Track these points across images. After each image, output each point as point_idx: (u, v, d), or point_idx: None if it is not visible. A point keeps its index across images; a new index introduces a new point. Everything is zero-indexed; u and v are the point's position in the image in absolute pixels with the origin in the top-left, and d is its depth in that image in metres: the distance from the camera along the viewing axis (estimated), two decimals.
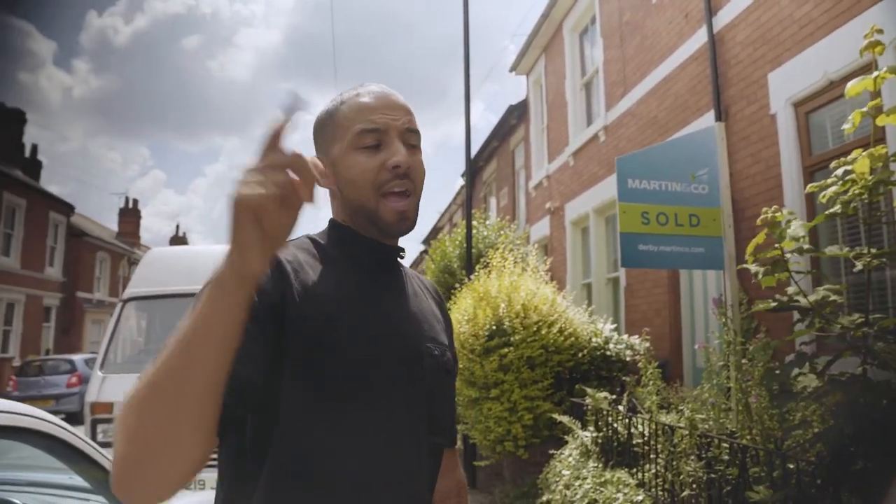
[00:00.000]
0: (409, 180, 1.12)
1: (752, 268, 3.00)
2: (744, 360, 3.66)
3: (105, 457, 2.22)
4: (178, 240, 40.95)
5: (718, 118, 5.90)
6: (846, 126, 2.77)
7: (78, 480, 2.18)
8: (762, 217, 2.95)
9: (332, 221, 1.20)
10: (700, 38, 6.49)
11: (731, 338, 3.82)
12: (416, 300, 1.22)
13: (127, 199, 35.39)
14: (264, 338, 0.92)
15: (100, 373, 5.52)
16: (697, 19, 6.58)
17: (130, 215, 35.06)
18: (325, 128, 1.17)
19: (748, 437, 3.38)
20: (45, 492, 2.35)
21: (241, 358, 0.84)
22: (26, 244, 22.24)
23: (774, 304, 2.92)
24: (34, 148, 25.98)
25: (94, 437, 5.17)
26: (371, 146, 1.11)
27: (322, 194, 1.11)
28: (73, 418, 13.42)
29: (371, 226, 1.13)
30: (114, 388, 5.29)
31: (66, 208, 25.25)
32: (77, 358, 16.46)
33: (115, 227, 34.34)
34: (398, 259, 1.23)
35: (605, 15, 9.28)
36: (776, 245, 2.96)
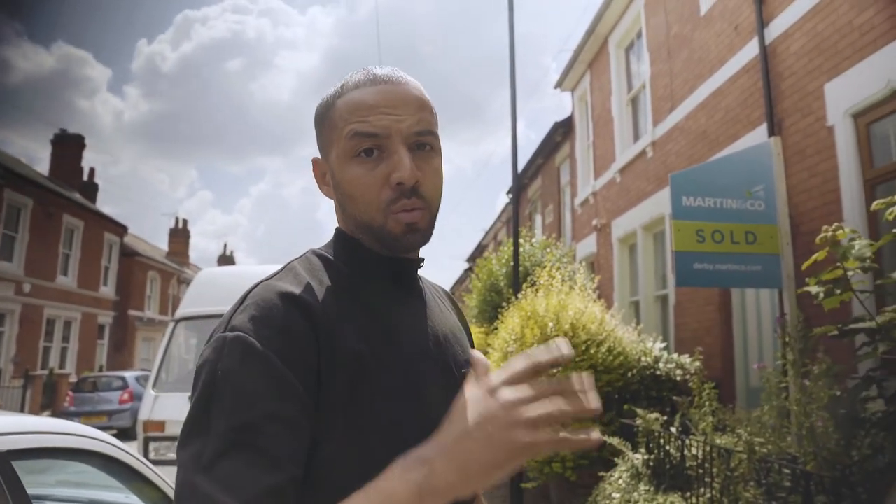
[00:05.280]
0: (419, 198, 0.90)
1: (813, 289, 2.88)
2: (806, 382, 3.52)
3: (160, 476, 2.25)
4: (226, 259, 41.90)
5: (772, 132, 5.75)
6: None
7: (134, 500, 2.20)
8: (822, 236, 2.84)
9: (338, 232, 1.00)
10: (751, 49, 6.36)
11: (793, 358, 3.68)
12: (442, 317, 1.05)
13: (177, 220, 36.43)
14: (307, 429, 0.78)
15: (152, 391, 5.63)
16: (748, 31, 6.45)
17: (180, 235, 36.03)
18: (323, 124, 0.96)
19: (812, 463, 3.23)
20: None
21: (293, 458, 0.74)
22: (83, 264, 23.04)
23: (838, 327, 2.79)
24: (91, 171, 26.97)
25: (146, 454, 5.26)
26: (369, 155, 0.89)
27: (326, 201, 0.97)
28: (125, 434, 13.74)
29: (377, 243, 0.94)
30: (165, 406, 5.39)
31: (120, 229, 26.10)
32: (129, 375, 16.86)
33: (165, 246, 35.31)
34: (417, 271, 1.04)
35: (652, 29, 9.18)
36: (838, 264, 2.83)
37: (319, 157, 0.99)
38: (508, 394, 0.69)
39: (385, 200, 0.89)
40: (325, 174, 0.98)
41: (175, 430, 5.28)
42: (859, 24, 4.88)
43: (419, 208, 0.91)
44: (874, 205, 2.85)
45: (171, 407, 5.35)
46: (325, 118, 0.95)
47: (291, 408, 0.76)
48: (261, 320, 0.80)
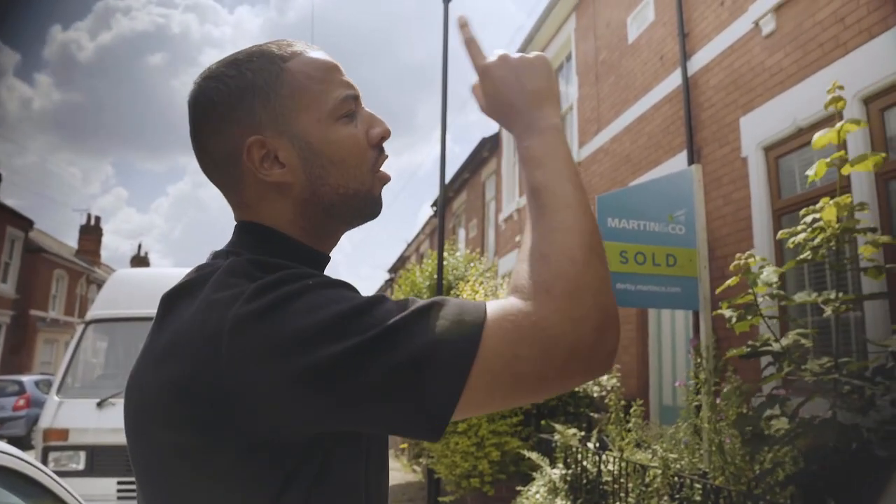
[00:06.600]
0: None
1: (727, 313, 3.03)
2: (718, 401, 3.68)
3: (65, 489, 2.12)
4: (140, 260, 40.12)
5: (691, 159, 6.02)
6: (809, 173, 2.85)
7: None
8: (735, 263, 3.00)
9: (268, 231, 0.84)
10: (674, 80, 6.65)
11: (705, 377, 3.84)
12: None
13: (88, 217, 34.62)
14: None
15: (56, 397, 5.30)
16: (672, 62, 6.75)
17: (91, 233, 34.23)
18: (269, 95, 0.81)
19: (721, 478, 3.38)
20: None
21: None
22: None
23: (748, 349, 2.95)
24: None
25: (45, 465, 4.94)
26: (349, 117, 0.85)
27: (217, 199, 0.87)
28: (18, 443, 12.85)
29: (356, 212, 0.87)
30: (70, 413, 5.08)
31: (25, 223, 24.57)
32: (27, 379, 15.80)
33: (74, 244, 33.51)
34: None
35: (581, 53, 9.46)
36: (749, 291, 3.00)
37: (254, 137, 0.80)
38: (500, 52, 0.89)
39: (371, 159, 0.87)
40: (266, 155, 0.81)
41: (79, 438, 4.98)
42: (770, 65, 5.20)
43: None
44: (779, 234, 3.04)
45: (76, 414, 5.06)
46: (277, 84, 0.81)
47: None
48: (289, 274, 0.72)
